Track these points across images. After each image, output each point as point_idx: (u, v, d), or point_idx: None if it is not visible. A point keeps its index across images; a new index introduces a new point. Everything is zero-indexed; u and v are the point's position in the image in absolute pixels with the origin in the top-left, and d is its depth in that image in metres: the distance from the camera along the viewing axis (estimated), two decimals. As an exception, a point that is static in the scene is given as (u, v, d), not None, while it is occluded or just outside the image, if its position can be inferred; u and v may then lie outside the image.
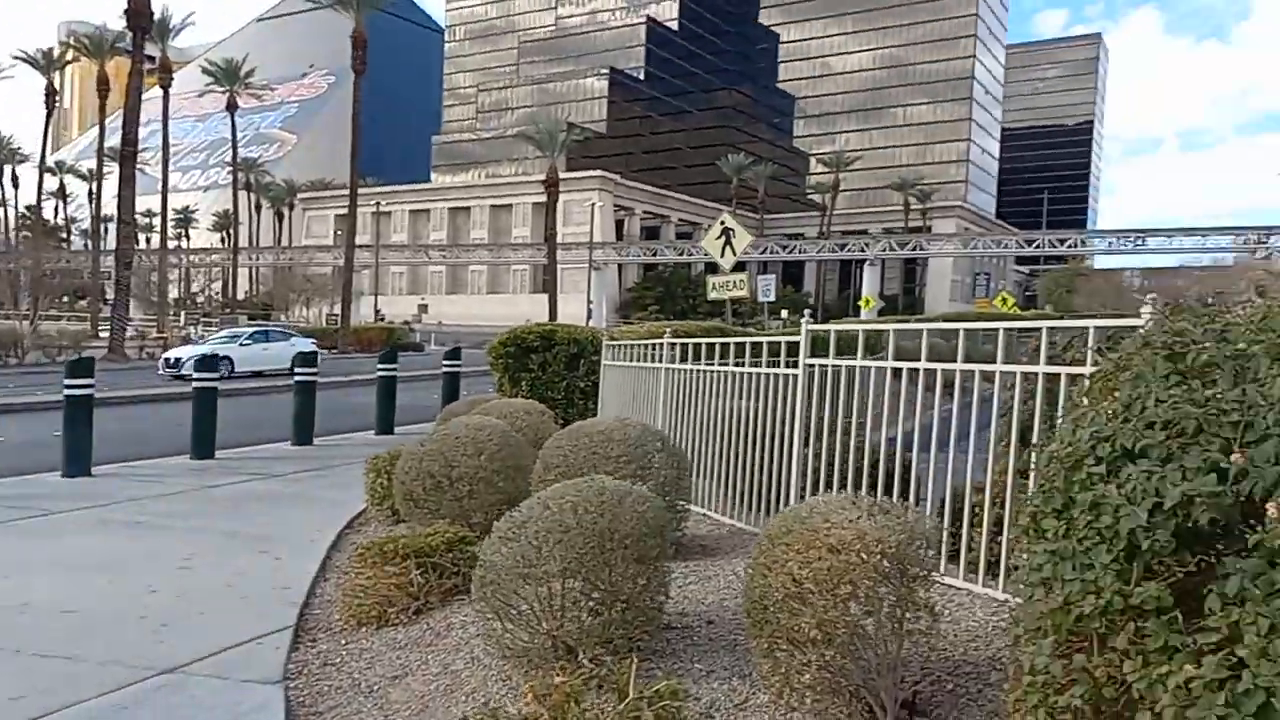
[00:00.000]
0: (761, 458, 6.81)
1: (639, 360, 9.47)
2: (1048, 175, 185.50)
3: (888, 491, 5.51)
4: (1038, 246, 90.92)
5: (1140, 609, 2.72)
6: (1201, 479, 2.58)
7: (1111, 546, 2.78)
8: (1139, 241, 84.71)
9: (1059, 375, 4.45)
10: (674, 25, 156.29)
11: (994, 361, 5.13)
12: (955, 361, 5.20)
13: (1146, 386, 3.00)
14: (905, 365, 5.55)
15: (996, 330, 4.92)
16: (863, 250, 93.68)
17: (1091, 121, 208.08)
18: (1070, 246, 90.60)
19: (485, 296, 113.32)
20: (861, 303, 79.08)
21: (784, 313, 67.95)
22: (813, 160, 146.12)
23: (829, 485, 5.93)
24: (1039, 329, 4.62)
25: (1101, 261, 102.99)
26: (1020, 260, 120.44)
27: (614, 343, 10.67)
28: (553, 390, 12.37)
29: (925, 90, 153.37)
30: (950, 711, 3.59)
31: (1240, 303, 3.14)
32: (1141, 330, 3.32)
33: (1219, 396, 2.75)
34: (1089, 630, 2.85)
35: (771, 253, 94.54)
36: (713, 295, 23.63)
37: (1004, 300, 63.78)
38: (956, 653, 4.11)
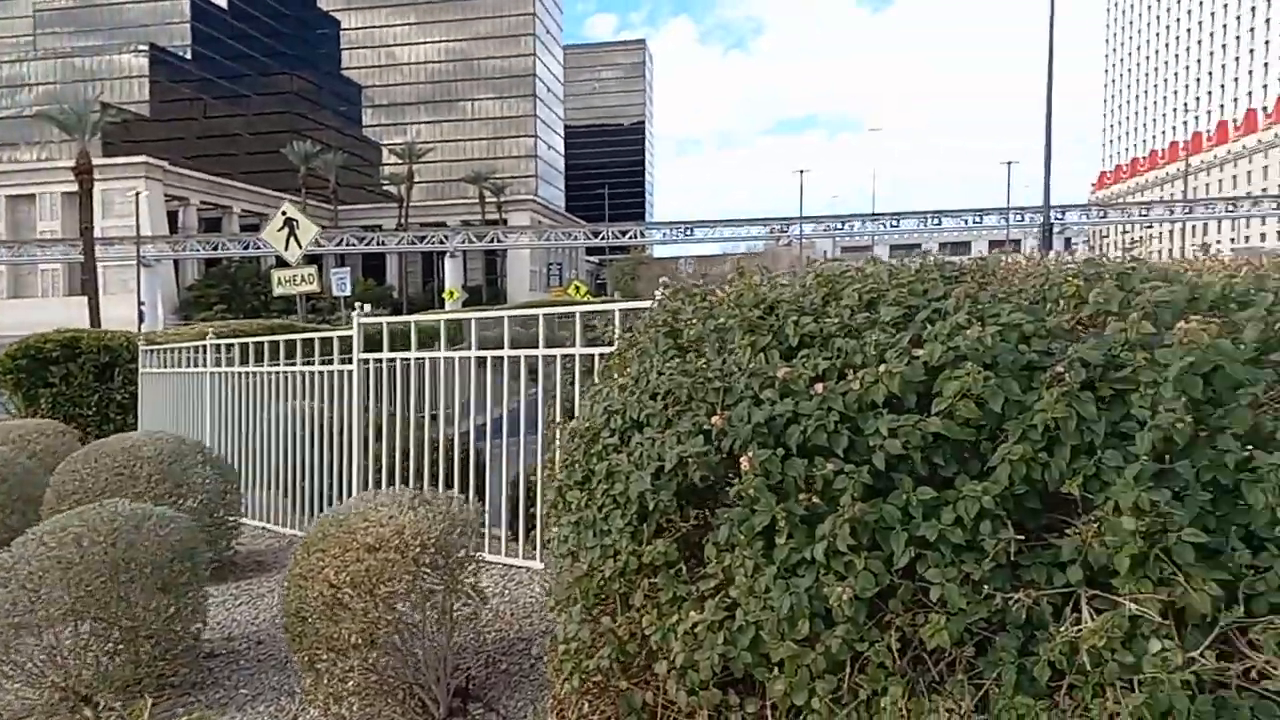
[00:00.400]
0: (323, 461, 6.51)
1: (183, 365, 8.61)
2: (609, 171, 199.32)
3: (449, 483, 5.52)
4: (603, 238, 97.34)
5: (653, 566, 2.95)
6: (692, 441, 2.84)
7: (625, 511, 2.99)
8: (688, 232, 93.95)
9: (594, 355, 4.72)
10: (223, 3, 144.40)
11: (563, 345, 5.32)
12: (524, 349, 5.32)
13: (651, 361, 3.27)
14: (457, 354, 5.58)
15: (537, 316, 5.11)
16: (442, 242, 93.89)
17: (644, 122, 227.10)
18: (631, 237, 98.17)
19: (7, 302, 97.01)
20: (445, 294, 79.38)
21: (367, 307, 66.22)
22: (385, 151, 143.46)
23: (391, 483, 5.81)
24: (572, 313, 4.87)
25: (660, 250, 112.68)
26: (590, 251, 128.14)
27: (152, 347, 9.58)
28: (81, 406, 10.82)
29: (491, 85, 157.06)
30: (503, 691, 3.67)
31: (727, 283, 3.52)
32: (649, 310, 3.60)
33: (705, 366, 3.07)
34: (612, 592, 3.04)
35: (348, 245, 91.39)
36: (279, 291, 22.25)
37: (576, 288, 67.61)
38: (513, 631, 4.22)
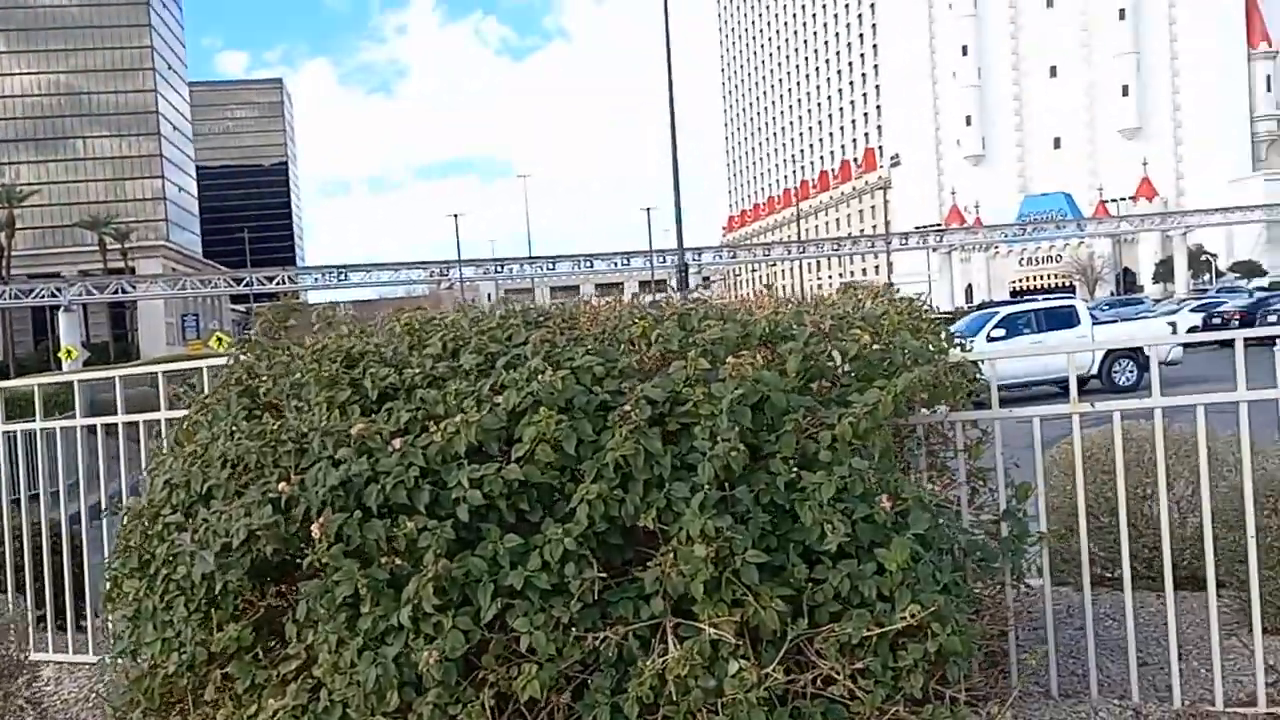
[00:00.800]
0: None
1: None
2: (251, 214, 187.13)
3: (22, 579, 4.75)
4: (248, 284, 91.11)
5: (225, 654, 2.65)
6: (260, 511, 2.60)
7: (191, 597, 2.66)
8: (343, 277, 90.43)
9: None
10: None
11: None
12: (100, 417, 4.70)
13: (221, 425, 2.97)
14: (19, 428, 4.82)
15: (113, 379, 4.54)
16: (55, 295, 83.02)
17: (286, 163, 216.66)
18: (279, 283, 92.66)
19: None
20: (62, 354, 70.23)
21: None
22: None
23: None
24: (155, 373, 4.37)
25: (315, 296, 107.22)
26: (235, 299, 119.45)
27: None
28: None
29: (108, 123, 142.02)
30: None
31: (313, 333, 3.30)
32: (225, 368, 3.29)
33: (280, 428, 2.83)
34: (180, 689, 2.70)
35: (-71, 303, 78.09)
36: None
37: (219, 340, 62.52)
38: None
